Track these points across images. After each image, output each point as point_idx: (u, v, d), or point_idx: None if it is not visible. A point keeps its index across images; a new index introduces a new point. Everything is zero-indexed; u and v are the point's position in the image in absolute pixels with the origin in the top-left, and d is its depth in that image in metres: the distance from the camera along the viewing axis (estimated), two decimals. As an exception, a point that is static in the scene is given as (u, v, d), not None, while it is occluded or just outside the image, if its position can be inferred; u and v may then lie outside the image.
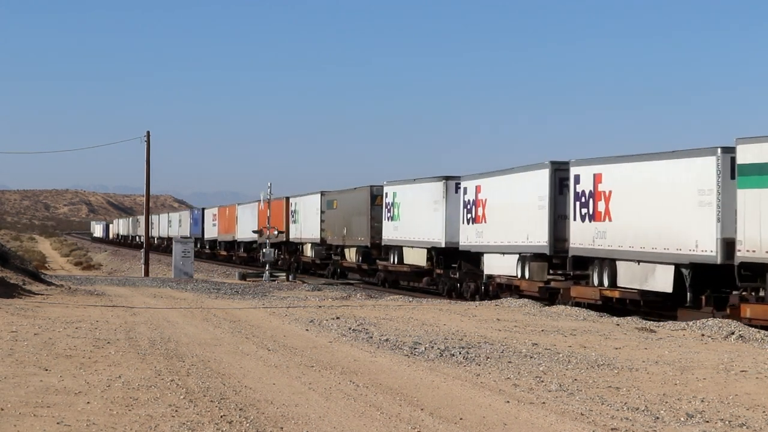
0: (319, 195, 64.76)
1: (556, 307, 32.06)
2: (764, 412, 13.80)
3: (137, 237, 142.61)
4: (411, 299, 36.91)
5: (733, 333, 23.49)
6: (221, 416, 12.79)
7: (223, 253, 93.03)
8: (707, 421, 13.05)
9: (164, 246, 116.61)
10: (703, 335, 23.60)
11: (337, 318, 27.07)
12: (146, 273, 62.94)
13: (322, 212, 63.26)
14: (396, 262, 50.62)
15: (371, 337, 22.20)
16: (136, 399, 13.89)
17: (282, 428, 12.26)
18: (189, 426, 12.18)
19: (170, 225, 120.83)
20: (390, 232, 51.17)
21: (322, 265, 64.76)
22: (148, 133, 64.82)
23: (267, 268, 57.39)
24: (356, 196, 57.24)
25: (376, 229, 53.41)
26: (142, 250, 67.27)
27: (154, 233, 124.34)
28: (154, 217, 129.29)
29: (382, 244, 52.41)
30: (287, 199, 71.90)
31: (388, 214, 51.43)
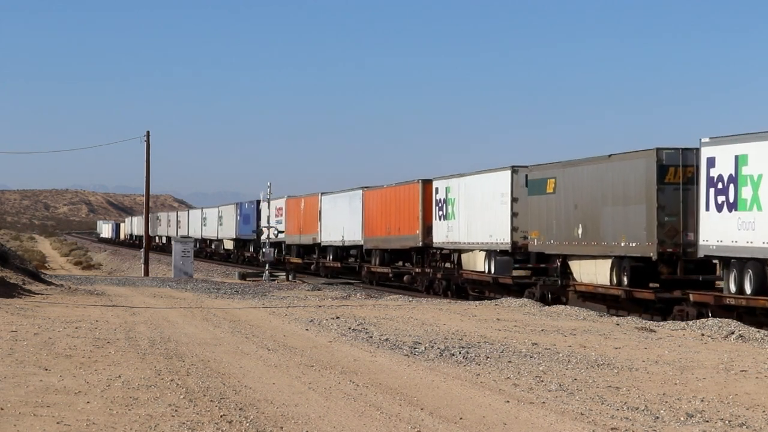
0: (508, 172, 40.45)
1: (555, 307, 32.06)
2: (764, 411, 13.80)
3: (158, 238, 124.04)
4: (411, 299, 36.91)
5: (733, 333, 23.49)
6: (221, 416, 12.78)
7: (296, 260, 69.26)
8: (707, 421, 13.05)
9: (206, 251, 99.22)
10: (702, 335, 23.60)
11: (337, 318, 27.07)
12: (146, 273, 62.92)
13: (513, 200, 40.18)
14: None
15: (371, 337, 22.20)
16: (136, 399, 13.89)
17: (282, 428, 12.26)
18: (189, 426, 12.17)
19: (205, 223, 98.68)
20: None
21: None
22: (148, 133, 64.84)
23: (267, 267, 57.40)
24: (628, 166, 32.82)
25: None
26: (142, 250, 67.24)
27: (182, 233, 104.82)
28: (181, 214, 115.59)
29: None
30: (424, 182, 48.78)
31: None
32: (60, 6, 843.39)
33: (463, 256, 44.25)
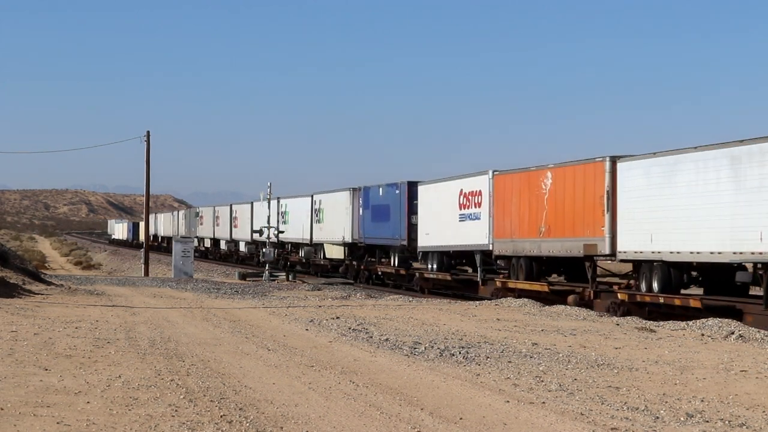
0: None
1: (555, 307, 32.06)
2: (764, 412, 13.80)
3: (198, 241, 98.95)
4: (411, 299, 36.93)
5: (733, 333, 23.50)
6: (221, 416, 12.78)
7: (446, 277, 45.71)
8: (707, 421, 13.05)
9: (288, 260, 70.92)
10: (703, 335, 23.61)
11: (337, 318, 27.08)
12: (146, 273, 62.94)
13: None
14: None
15: (371, 337, 22.20)
16: (136, 399, 13.89)
17: (282, 428, 12.26)
18: (189, 426, 12.18)
19: (284, 219, 70.70)
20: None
21: None
22: (148, 133, 64.84)
23: (267, 267, 57.40)
24: None
25: None
26: (142, 250, 67.24)
27: (241, 235, 79.87)
28: (240, 209, 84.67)
29: None
30: (612, 161, 33.53)
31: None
32: (60, 6, 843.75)
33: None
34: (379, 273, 54.44)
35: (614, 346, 21.06)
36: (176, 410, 13.11)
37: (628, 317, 29.42)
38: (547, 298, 36.26)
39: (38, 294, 35.48)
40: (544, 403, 14.19)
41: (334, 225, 60.02)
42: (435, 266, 46.69)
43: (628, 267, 34.64)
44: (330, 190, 62.88)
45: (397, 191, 51.08)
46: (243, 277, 57.40)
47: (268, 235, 60.69)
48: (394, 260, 51.96)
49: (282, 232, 64.58)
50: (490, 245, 41.13)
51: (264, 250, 60.40)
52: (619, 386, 15.74)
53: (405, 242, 49.82)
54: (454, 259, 46.34)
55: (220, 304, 32.86)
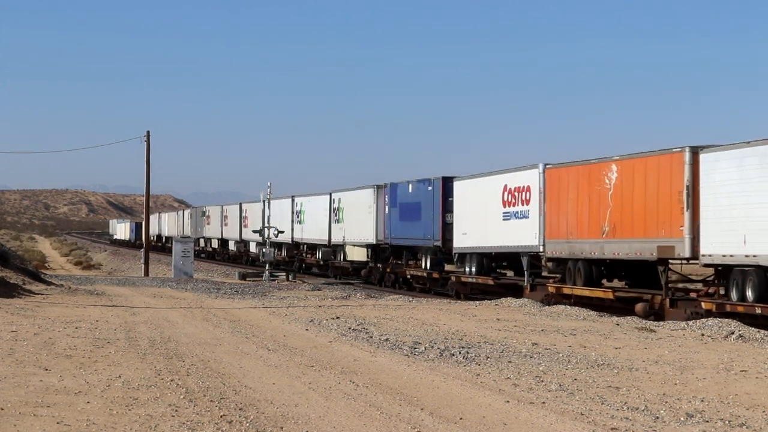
0: None
1: (555, 307, 32.05)
2: (764, 412, 13.80)
3: (204, 241, 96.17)
4: (411, 299, 36.90)
5: (733, 333, 23.50)
6: (221, 416, 12.78)
7: (487, 281, 41.99)
8: (707, 421, 13.05)
9: (304, 261, 68.22)
10: (703, 335, 23.61)
11: (337, 318, 27.07)
12: (146, 273, 62.93)
13: None
14: None
15: (371, 337, 22.20)
16: (136, 399, 13.89)
17: (282, 428, 12.26)
18: (189, 426, 12.17)
19: (299, 219, 67.30)
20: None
21: None
22: (148, 133, 64.83)
23: (267, 267, 57.39)
24: None
25: None
26: (142, 250, 67.26)
27: (252, 235, 69.55)
28: (251, 208, 79.27)
29: None
30: (692, 152, 29.74)
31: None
32: (60, 6, 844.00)
33: None
34: (408, 276, 49.77)
35: (614, 346, 21.06)
36: (176, 410, 13.11)
37: (628, 317, 29.37)
38: (611, 306, 32.38)
39: (38, 294, 35.47)
40: (544, 403, 14.19)
41: (356, 225, 55.98)
42: (474, 269, 42.35)
43: (692, 270, 31.81)
44: (351, 187, 59.02)
45: (430, 188, 46.58)
46: (243, 277, 57.39)
47: (268, 235, 60.68)
48: (426, 262, 47.58)
49: (282, 232, 64.42)
50: (541, 246, 36.96)
51: (264, 249, 60.31)
52: (619, 386, 15.74)
53: (439, 243, 45.49)
54: (495, 261, 42.39)
55: (220, 304, 32.86)
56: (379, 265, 53.50)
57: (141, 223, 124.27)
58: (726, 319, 26.28)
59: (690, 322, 26.20)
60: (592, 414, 13.41)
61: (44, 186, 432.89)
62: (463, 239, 43.46)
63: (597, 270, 34.49)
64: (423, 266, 47.94)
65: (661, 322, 27.32)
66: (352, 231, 56.52)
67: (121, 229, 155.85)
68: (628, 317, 29.36)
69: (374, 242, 53.16)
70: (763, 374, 17.24)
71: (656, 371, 17.47)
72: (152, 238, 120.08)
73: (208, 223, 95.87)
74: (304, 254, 68.47)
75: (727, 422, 13.00)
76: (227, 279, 58.25)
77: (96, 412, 12.91)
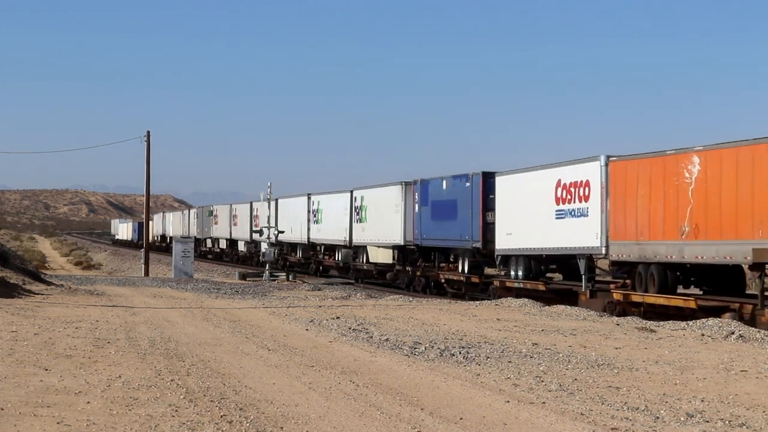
0: None
1: (556, 307, 32.04)
2: (764, 412, 13.80)
3: (211, 242, 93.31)
4: (411, 299, 36.90)
5: (733, 333, 23.50)
6: (221, 416, 12.79)
7: (537, 286, 38.58)
8: (707, 421, 13.05)
9: (323, 264, 64.55)
10: (703, 335, 23.61)
11: (337, 318, 27.08)
12: (146, 273, 62.98)
13: None
14: None
15: (371, 337, 22.20)
16: (136, 399, 13.89)
17: (282, 428, 12.26)
18: (189, 426, 12.18)
19: (316, 218, 64.38)
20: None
21: None
22: (148, 133, 64.92)
23: (267, 267, 57.42)
24: None
25: None
26: (142, 250, 67.28)
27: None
28: (260, 206, 73.92)
29: None
30: None
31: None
32: (60, 6, 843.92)
33: None
34: (442, 280, 46.06)
35: (614, 346, 21.06)
36: (176, 410, 13.11)
37: (628, 317, 29.34)
38: (692, 317, 28.21)
39: (38, 294, 35.48)
40: (544, 403, 14.19)
41: (381, 224, 52.58)
42: (520, 272, 38.85)
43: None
44: (375, 184, 55.04)
45: (468, 184, 42.94)
46: (243, 277, 57.45)
47: (268, 235, 60.73)
48: (463, 265, 43.69)
49: (282, 232, 64.40)
50: (603, 248, 33.47)
51: (264, 249, 60.33)
52: (620, 386, 15.74)
53: (478, 244, 41.88)
54: (544, 264, 38.87)
55: (221, 304, 32.86)
56: (408, 268, 49.97)
57: (142, 223, 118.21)
58: (726, 320, 26.24)
59: (690, 322, 26.17)
60: (592, 414, 13.41)
61: (44, 186, 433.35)
62: (507, 240, 39.92)
63: (672, 275, 30.95)
64: (460, 269, 44.13)
65: (661, 322, 27.30)
66: (376, 231, 53.38)
67: (123, 229, 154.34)
68: (628, 317, 29.32)
69: (401, 243, 49.88)
70: (764, 374, 17.25)
71: (656, 371, 17.47)
72: (156, 238, 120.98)
73: (216, 223, 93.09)
74: (321, 256, 65.30)
75: (727, 422, 13.00)
76: (227, 279, 58.28)
77: (96, 412, 12.91)
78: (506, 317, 28.29)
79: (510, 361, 18.42)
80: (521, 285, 38.54)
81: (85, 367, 16.85)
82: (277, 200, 70.11)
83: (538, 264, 38.59)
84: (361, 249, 56.49)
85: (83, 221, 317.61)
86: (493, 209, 41.19)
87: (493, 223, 41.10)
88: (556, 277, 39.79)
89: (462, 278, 43.67)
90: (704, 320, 26.32)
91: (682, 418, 13.20)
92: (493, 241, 41.09)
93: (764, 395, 15.12)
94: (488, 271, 42.83)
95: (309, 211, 65.30)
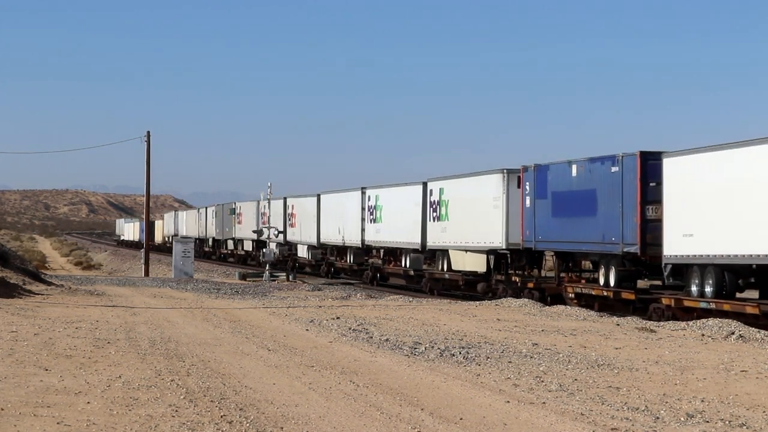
0: None
1: (556, 307, 32.04)
2: (764, 412, 13.80)
3: (234, 243, 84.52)
4: (411, 299, 36.89)
5: (733, 333, 23.50)
6: (221, 416, 12.79)
7: (743, 309, 27.69)
8: (707, 421, 13.05)
9: (385, 270, 54.49)
10: (703, 335, 23.60)
11: (337, 318, 27.08)
12: (146, 273, 62.98)
13: None
14: None
15: (371, 337, 22.20)
16: (136, 399, 13.89)
17: (282, 428, 12.26)
18: (189, 426, 12.18)
19: (377, 217, 54.87)
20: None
21: None
22: (148, 133, 64.88)
23: (267, 268, 57.39)
24: None
25: None
26: (142, 250, 67.28)
27: (300, 237, 64.36)
28: (295, 202, 68.97)
29: None
30: None
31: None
32: (60, 6, 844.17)
33: None
34: (571, 295, 35.77)
35: (614, 347, 21.06)
36: (176, 410, 13.11)
37: (628, 317, 29.31)
38: None
39: (38, 294, 35.47)
40: (544, 403, 14.19)
41: (471, 223, 42.35)
42: (708, 288, 28.79)
43: None
44: (461, 174, 45.04)
45: (615, 168, 32.84)
46: (243, 277, 57.41)
47: (268, 235, 60.68)
48: (607, 275, 33.51)
49: (282, 232, 64.24)
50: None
51: (264, 249, 60.25)
52: (620, 386, 15.74)
53: (634, 248, 31.75)
54: (743, 277, 28.65)
55: (221, 305, 32.86)
56: (515, 278, 39.90)
57: (152, 223, 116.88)
58: (726, 320, 26.19)
59: (690, 323, 26.15)
60: (592, 414, 13.41)
61: (44, 186, 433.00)
62: (684, 244, 29.80)
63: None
64: (602, 281, 33.92)
65: (661, 322, 27.28)
66: (462, 231, 43.22)
67: (129, 230, 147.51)
68: (628, 317, 29.31)
69: (503, 246, 39.85)
70: (764, 374, 17.24)
71: (656, 371, 17.47)
72: (168, 238, 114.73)
73: (239, 222, 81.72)
74: (381, 261, 55.64)
75: (727, 422, 13.00)
76: (227, 279, 58.26)
77: (96, 412, 12.91)
78: (506, 317, 28.29)
79: (510, 362, 18.42)
80: (712, 306, 28.43)
81: (85, 367, 16.85)
82: (319, 196, 63.45)
83: (734, 277, 28.58)
84: (439, 253, 46.69)
85: (83, 221, 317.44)
86: (658, 202, 31.10)
87: (659, 221, 30.98)
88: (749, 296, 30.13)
89: (607, 293, 33.45)
90: (704, 320, 26.31)
91: (682, 419, 13.20)
92: (658, 245, 30.99)
93: (764, 395, 15.12)
94: (640, 284, 33.57)
95: (363, 209, 56.11)
